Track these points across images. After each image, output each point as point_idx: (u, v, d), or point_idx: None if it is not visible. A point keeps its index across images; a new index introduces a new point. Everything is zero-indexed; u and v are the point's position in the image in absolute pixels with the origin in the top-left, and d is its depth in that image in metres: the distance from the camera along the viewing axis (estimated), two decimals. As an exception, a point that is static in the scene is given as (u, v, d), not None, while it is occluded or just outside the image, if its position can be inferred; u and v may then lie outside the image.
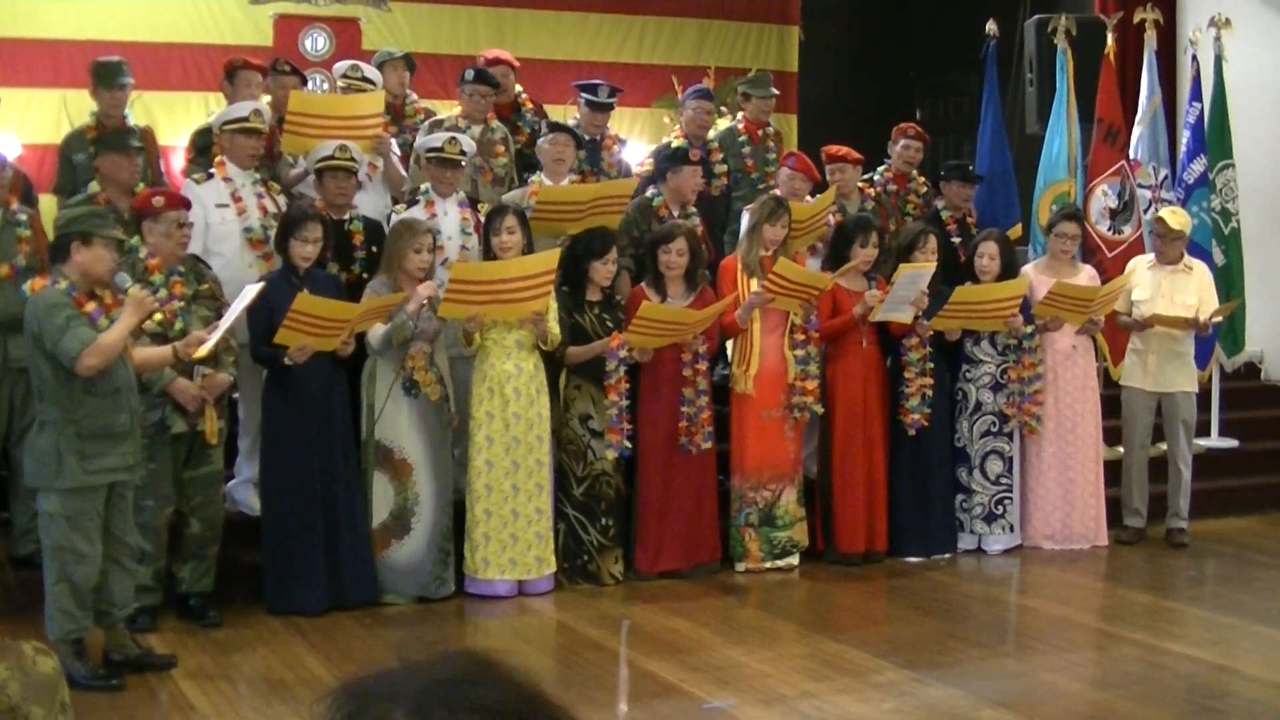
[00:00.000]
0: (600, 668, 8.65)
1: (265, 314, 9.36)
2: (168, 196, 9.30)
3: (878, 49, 20.05)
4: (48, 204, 11.40)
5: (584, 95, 12.27)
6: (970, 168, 13.16)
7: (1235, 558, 11.84)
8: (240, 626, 9.43)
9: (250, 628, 9.44)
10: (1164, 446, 12.11)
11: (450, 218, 10.69)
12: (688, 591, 10.49)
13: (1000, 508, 11.58)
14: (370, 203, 11.03)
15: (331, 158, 10.38)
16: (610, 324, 10.54)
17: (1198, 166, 13.59)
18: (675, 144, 12.59)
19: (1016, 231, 13.40)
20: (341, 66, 11.80)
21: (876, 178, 12.92)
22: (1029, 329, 11.46)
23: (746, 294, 10.83)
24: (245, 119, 10.47)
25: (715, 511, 11.01)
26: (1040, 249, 12.79)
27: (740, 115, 13.50)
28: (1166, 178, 13.68)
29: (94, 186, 10.30)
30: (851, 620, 10.26)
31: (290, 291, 9.31)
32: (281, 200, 10.64)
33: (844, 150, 12.48)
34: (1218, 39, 13.84)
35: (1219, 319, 12.17)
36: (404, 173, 11.37)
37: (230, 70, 11.72)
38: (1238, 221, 13.73)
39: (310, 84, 14.78)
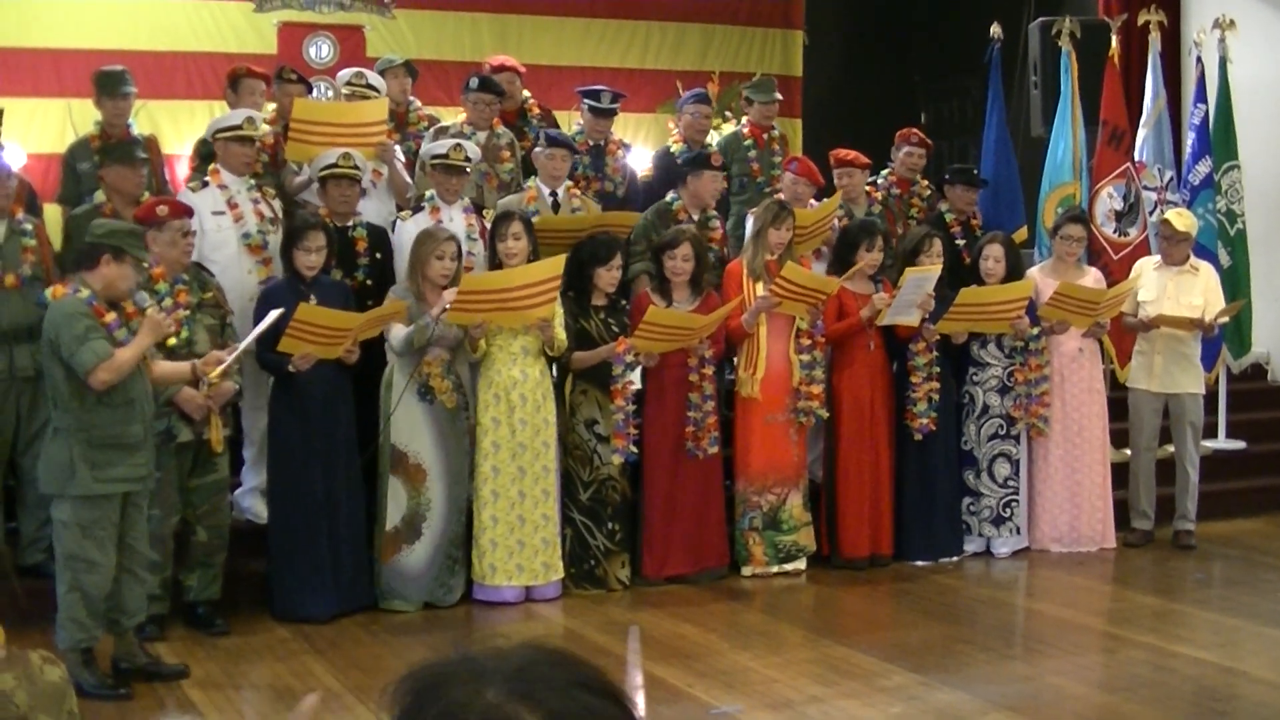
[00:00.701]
0: (608, 673, 8.63)
1: (271, 323, 9.37)
2: (172, 205, 9.31)
3: (882, 53, 20.05)
4: (52, 213, 11.40)
5: (587, 101, 12.26)
6: (974, 171, 13.15)
7: (1243, 560, 11.83)
8: (247, 634, 9.44)
9: (257, 635, 9.45)
10: (1171, 449, 12.10)
11: (456, 224, 10.68)
12: (694, 596, 10.49)
13: (1008, 510, 11.57)
14: (375, 209, 11.05)
15: (335, 165, 10.39)
16: (616, 329, 10.55)
17: (1203, 168, 13.58)
18: (674, 148, 12.62)
19: (1021, 235, 13.40)
20: (346, 74, 11.81)
21: (880, 181, 12.90)
22: (1035, 331, 11.45)
23: (752, 298, 10.82)
24: (238, 126, 10.48)
25: (722, 516, 11.01)
26: (1045, 252, 12.78)
27: (745, 119, 13.49)
28: (1171, 180, 13.67)
29: (99, 196, 10.32)
30: (858, 624, 10.26)
31: (296, 299, 9.32)
32: (277, 205, 10.66)
33: (852, 154, 12.48)
34: (1222, 40, 13.82)
35: (1225, 320, 12.17)
36: (409, 179, 11.37)
37: (234, 78, 11.73)
38: (1243, 223, 13.71)
39: (314, 92, 14.79)
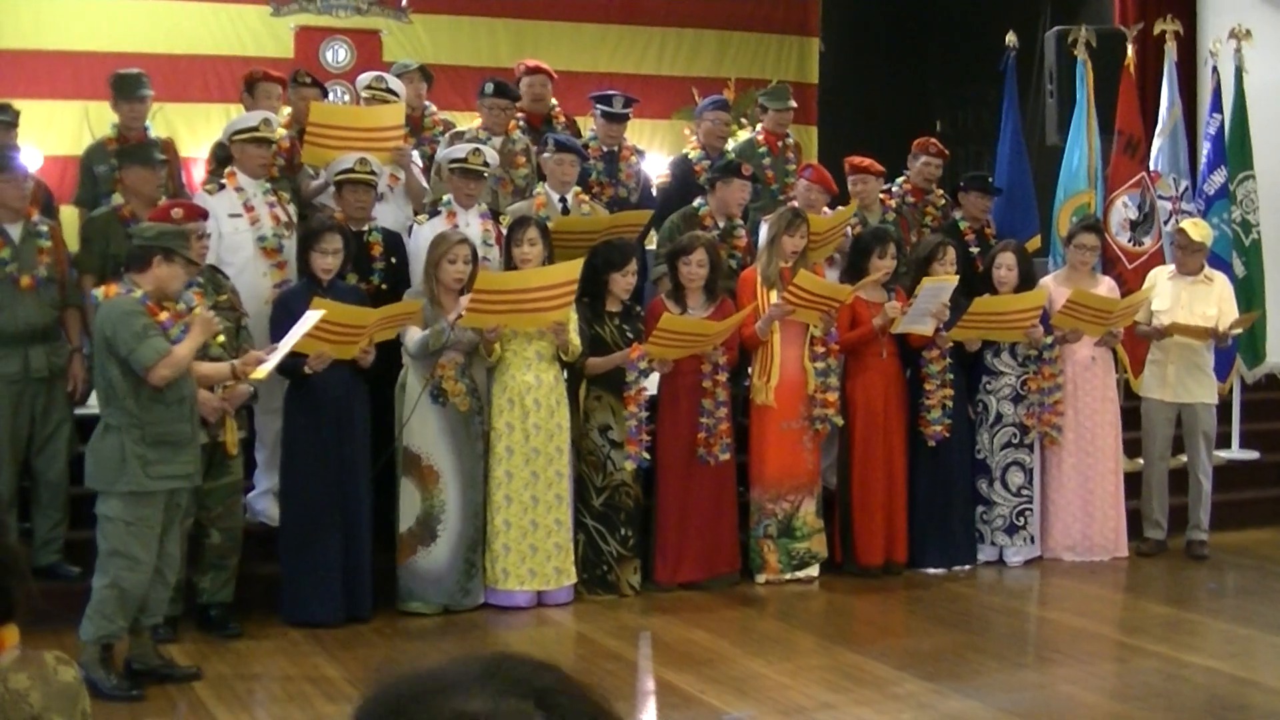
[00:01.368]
0: (620, 679, 8.68)
1: (286, 324, 9.38)
2: (186, 208, 9.31)
3: (898, 60, 20.04)
4: (68, 215, 11.43)
5: (599, 106, 12.27)
6: (989, 179, 13.15)
7: (1256, 570, 11.82)
8: (260, 637, 9.45)
9: (270, 638, 9.45)
10: (1184, 458, 12.08)
11: (472, 229, 10.69)
12: (706, 603, 10.48)
13: (1021, 519, 11.56)
14: (391, 214, 11.04)
15: (351, 170, 10.39)
16: (630, 335, 10.55)
17: (1218, 178, 13.56)
18: (691, 155, 12.62)
19: (1035, 243, 13.38)
20: (365, 78, 11.81)
21: (895, 189, 12.89)
22: (1048, 340, 11.44)
23: (766, 306, 10.83)
24: (255, 128, 10.49)
25: (734, 523, 11.00)
26: (1060, 261, 12.75)
27: (759, 126, 13.50)
28: (1187, 189, 13.66)
29: (117, 198, 10.33)
30: (871, 632, 10.26)
31: (311, 302, 9.33)
32: (293, 209, 10.67)
33: (867, 162, 12.48)
34: (1238, 50, 13.81)
35: (1239, 330, 12.16)
36: (425, 184, 11.38)
37: (250, 82, 11.76)
38: (1258, 233, 13.68)
39: (331, 96, 14.81)
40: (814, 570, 11.12)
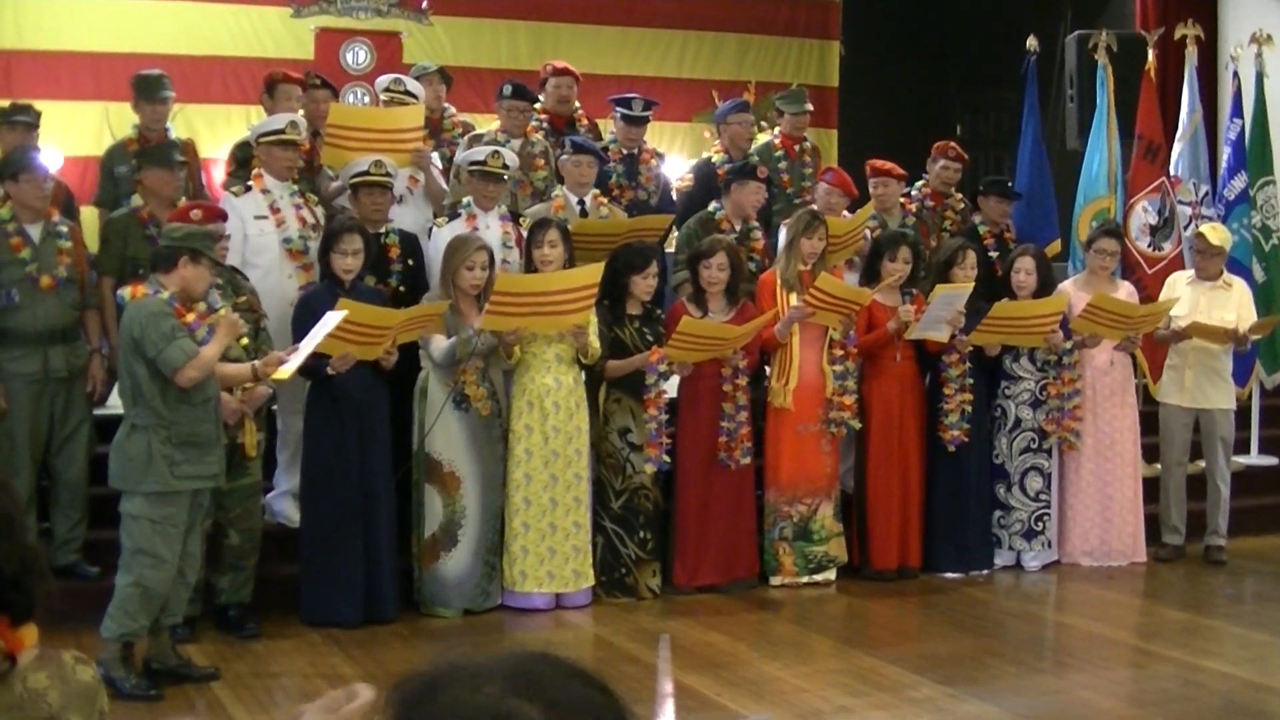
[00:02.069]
0: (637, 682, 8.67)
1: (308, 325, 9.38)
2: (205, 209, 9.33)
3: (918, 64, 20.05)
4: (88, 216, 11.47)
5: (619, 109, 12.26)
6: (1008, 183, 13.14)
7: (1274, 576, 11.82)
8: (278, 638, 9.46)
9: (288, 639, 9.46)
10: (1202, 464, 12.06)
11: (492, 231, 10.69)
12: (724, 606, 10.48)
13: (1040, 524, 11.55)
14: (411, 216, 11.05)
15: (366, 173, 10.39)
16: (650, 338, 10.56)
17: (1238, 183, 13.54)
18: (715, 158, 12.60)
19: (1055, 248, 13.37)
20: (384, 80, 11.80)
21: (914, 193, 12.88)
22: (1068, 345, 11.43)
23: (785, 308, 10.83)
24: (281, 131, 10.51)
25: (753, 527, 11.00)
26: (1080, 265, 12.74)
27: (776, 130, 13.49)
28: (1207, 194, 13.63)
29: (136, 199, 10.37)
30: (888, 636, 10.25)
31: (333, 303, 9.33)
32: (319, 211, 10.68)
33: (888, 165, 12.48)
34: (1259, 55, 13.78)
35: (1258, 335, 12.13)
36: (444, 186, 11.39)
37: (270, 83, 11.77)
38: (1278, 238, 13.65)
39: (351, 98, 14.85)
40: (830, 574, 11.12)
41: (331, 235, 9.79)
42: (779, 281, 10.94)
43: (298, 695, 8.44)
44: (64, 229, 9.93)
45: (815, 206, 11.69)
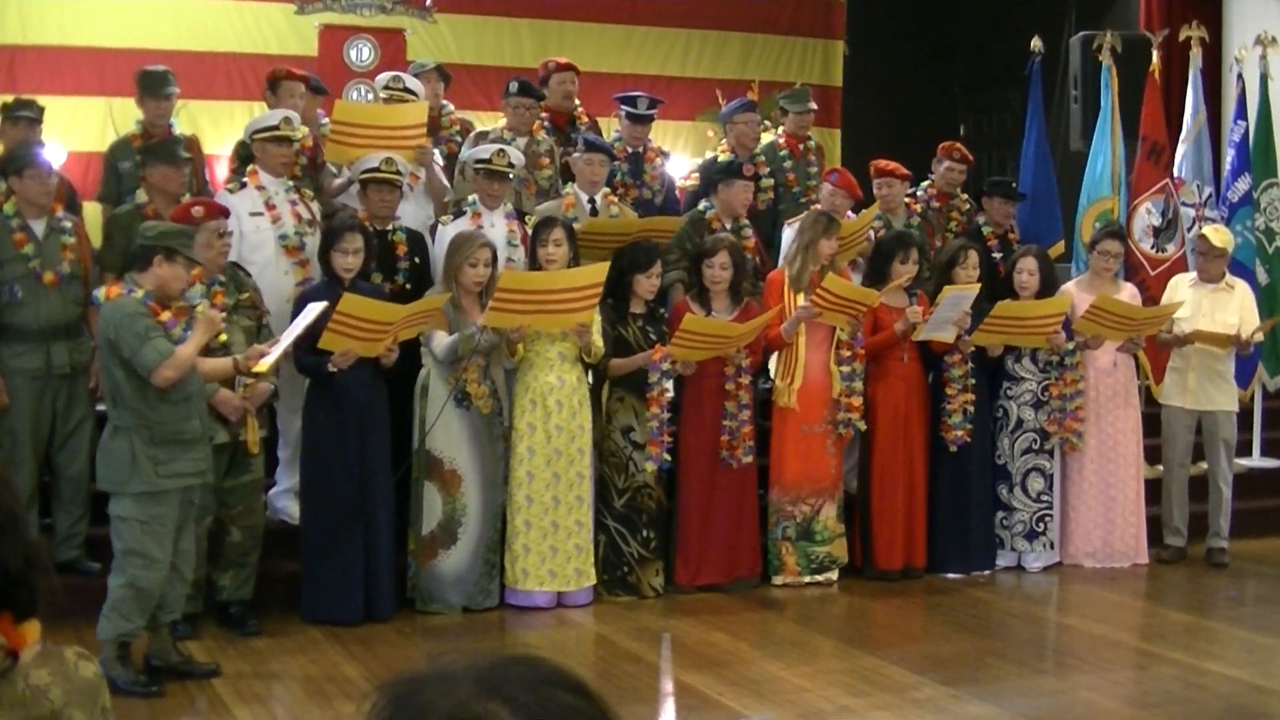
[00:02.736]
0: (639, 680, 8.67)
1: (309, 324, 9.39)
2: (207, 206, 9.33)
3: (922, 64, 20.03)
4: (92, 212, 11.46)
5: (624, 107, 12.27)
6: (1013, 184, 13.13)
7: (1276, 578, 11.83)
8: (280, 635, 9.46)
9: (289, 636, 9.47)
10: (1205, 465, 12.06)
11: (497, 229, 10.69)
12: (726, 605, 10.48)
13: (1041, 525, 11.55)
14: (413, 213, 11.05)
15: (376, 170, 10.40)
16: (653, 336, 10.56)
17: (1242, 185, 13.53)
18: (721, 158, 12.59)
19: (1059, 249, 13.38)
20: (383, 78, 11.82)
21: (919, 194, 12.88)
22: (1070, 345, 11.43)
23: (792, 308, 10.82)
24: (275, 127, 10.51)
25: (756, 526, 11.00)
26: (1083, 266, 12.72)
27: (780, 130, 13.48)
28: (1210, 196, 13.63)
29: (141, 196, 10.34)
30: (890, 636, 10.25)
31: (334, 302, 9.32)
32: (315, 208, 10.69)
33: (893, 165, 12.47)
34: (1263, 57, 13.77)
35: (1260, 337, 12.12)
36: (446, 183, 11.38)
37: (273, 80, 11.76)
38: (1282, 240, 13.66)
39: (355, 95, 14.86)
40: (834, 574, 11.12)
41: (332, 234, 9.78)
42: (787, 281, 10.93)
43: (299, 692, 8.46)
44: (68, 225, 9.93)
45: (820, 207, 11.67)
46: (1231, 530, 11.98)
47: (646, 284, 10.58)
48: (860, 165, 12.81)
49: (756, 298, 11.05)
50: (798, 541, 11.00)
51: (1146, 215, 13.30)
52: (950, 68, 20.49)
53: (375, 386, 9.82)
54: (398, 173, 10.48)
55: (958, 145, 13.14)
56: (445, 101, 12.58)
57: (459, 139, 11.95)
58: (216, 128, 14.54)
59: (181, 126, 11.69)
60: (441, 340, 9.89)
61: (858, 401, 11.02)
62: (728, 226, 11.53)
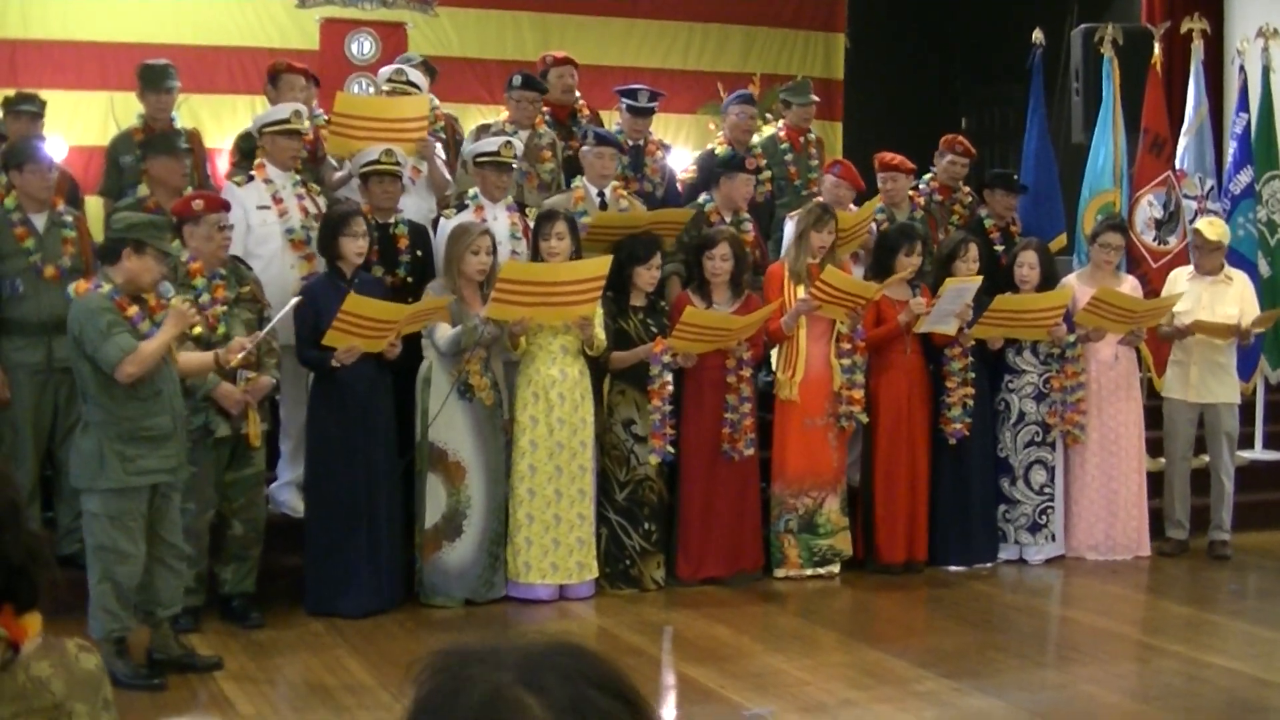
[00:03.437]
0: (641, 674, 8.66)
1: (312, 318, 9.40)
2: (207, 199, 9.33)
3: (924, 57, 20.00)
4: (93, 206, 11.46)
5: (625, 100, 12.26)
6: (1014, 177, 13.12)
7: (1278, 571, 11.82)
8: (282, 628, 9.47)
9: (292, 630, 9.47)
10: (1207, 458, 12.05)
11: (500, 222, 10.69)
12: (728, 598, 10.49)
13: (1044, 518, 11.54)
14: (415, 206, 11.04)
15: (377, 162, 10.39)
16: (654, 329, 10.55)
17: (1244, 177, 13.51)
18: (718, 150, 12.58)
19: (1060, 242, 13.37)
20: (386, 71, 11.83)
21: (922, 187, 12.87)
22: (1071, 338, 11.42)
23: (792, 301, 10.81)
24: (286, 120, 10.52)
25: (758, 519, 11.00)
26: (1084, 259, 12.71)
27: (781, 122, 13.47)
28: (1212, 188, 13.61)
29: (143, 189, 10.35)
30: (892, 629, 10.26)
31: (336, 294, 9.33)
32: (322, 202, 10.69)
33: (898, 159, 12.46)
34: (1265, 49, 13.73)
35: (1261, 329, 12.11)
36: (448, 176, 11.38)
37: (273, 74, 11.77)
38: (1284, 233, 13.65)
39: (356, 88, 14.86)
40: (836, 567, 11.12)
41: (338, 221, 9.77)
42: (787, 274, 10.93)
43: (302, 685, 8.46)
44: (69, 219, 9.94)
45: (822, 199, 11.66)
46: (1233, 523, 11.97)
47: (646, 276, 10.58)
48: (862, 158, 12.79)
49: (756, 290, 11.04)
50: (800, 534, 11.00)
51: (1148, 208, 13.29)
52: (952, 60, 20.46)
53: (378, 380, 9.84)
54: (398, 164, 10.47)
55: (960, 139, 13.13)
56: (431, 95, 12.57)
57: (443, 134, 11.91)
58: (218, 121, 14.54)
59: (183, 120, 11.68)
60: (445, 332, 9.89)
61: (859, 394, 11.02)
62: (727, 220, 11.52)
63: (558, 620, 9.92)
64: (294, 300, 9.11)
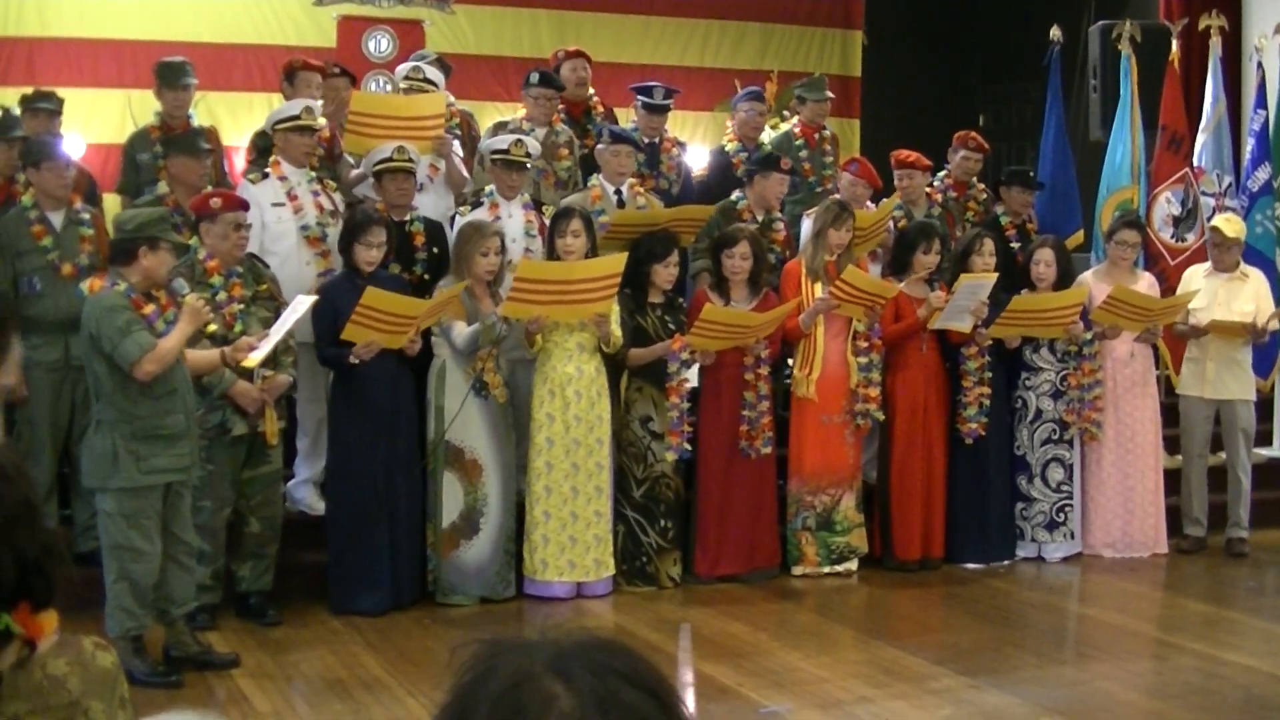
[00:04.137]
0: (661, 673, 8.64)
1: (330, 316, 9.42)
2: (225, 197, 9.34)
3: (941, 54, 19.97)
4: (111, 203, 11.46)
5: (640, 97, 12.25)
6: (1030, 174, 13.10)
7: (1295, 568, 11.80)
8: (299, 626, 9.48)
9: (309, 627, 9.48)
10: (1223, 455, 12.03)
11: (515, 220, 10.70)
12: (745, 595, 10.49)
13: (1061, 515, 11.53)
14: (432, 204, 11.05)
15: (390, 159, 10.40)
16: (672, 326, 10.55)
17: (1262, 174, 13.48)
18: (728, 147, 12.60)
19: (1078, 239, 13.36)
20: (403, 68, 11.83)
21: (937, 184, 12.86)
22: (1088, 336, 11.41)
23: (810, 299, 10.81)
24: (297, 117, 10.53)
25: (774, 516, 11.00)
26: (1102, 256, 12.68)
27: (796, 119, 13.46)
28: (1230, 185, 13.59)
29: (162, 187, 10.37)
30: (909, 626, 10.25)
31: (355, 293, 9.34)
32: (338, 198, 10.70)
33: (914, 156, 12.46)
34: (1283, 46, 13.76)
35: (1276, 325, 12.08)
36: (466, 173, 11.38)
37: (290, 71, 11.78)
38: (1301, 229, 13.62)
39: (373, 86, 14.86)
40: (852, 564, 11.11)
41: (355, 227, 9.80)
42: (804, 272, 10.93)
43: (319, 683, 8.46)
44: (86, 216, 9.96)
45: (838, 196, 11.65)
46: (1251, 520, 11.95)
47: (664, 274, 10.57)
48: (879, 156, 12.78)
49: (775, 289, 11.03)
50: (817, 532, 10.99)
51: (1166, 205, 13.28)
52: (969, 58, 20.43)
53: (400, 378, 9.85)
54: (411, 161, 10.48)
55: (973, 134, 13.13)
56: (446, 92, 12.57)
57: (458, 131, 11.91)
58: (234, 119, 14.55)
59: (199, 118, 11.70)
60: (461, 330, 9.89)
61: (875, 392, 11.01)
62: (759, 218, 11.53)
63: (574, 619, 9.91)
64: (310, 300, 9.12)
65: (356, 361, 9.46)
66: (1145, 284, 11.83)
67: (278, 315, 9.36)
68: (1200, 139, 13.72)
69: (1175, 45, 13.75)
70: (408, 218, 10.52)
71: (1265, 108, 13.65)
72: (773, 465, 10.99)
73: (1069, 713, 8.01)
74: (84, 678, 3.08)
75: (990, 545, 11.43)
